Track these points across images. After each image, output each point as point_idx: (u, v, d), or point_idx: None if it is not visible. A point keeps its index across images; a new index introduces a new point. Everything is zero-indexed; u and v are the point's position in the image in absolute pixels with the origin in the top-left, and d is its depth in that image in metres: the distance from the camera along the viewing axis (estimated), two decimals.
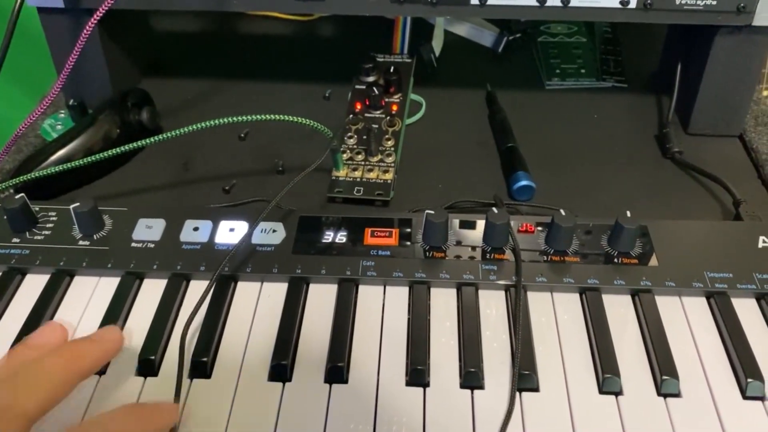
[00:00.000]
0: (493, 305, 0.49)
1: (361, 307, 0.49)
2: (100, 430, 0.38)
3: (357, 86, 0.69)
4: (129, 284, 0.50)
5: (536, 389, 0.44)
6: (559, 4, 0.60)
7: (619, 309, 0.49)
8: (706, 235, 0.53)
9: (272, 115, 0.57)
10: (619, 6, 0.60)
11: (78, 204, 0.52)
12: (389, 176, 0.61)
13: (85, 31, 0.59)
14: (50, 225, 0.53)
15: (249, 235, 0.51)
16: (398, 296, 0.50)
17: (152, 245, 0.52)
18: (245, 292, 0.50)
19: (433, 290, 0.50)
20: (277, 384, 0.45)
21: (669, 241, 0.52)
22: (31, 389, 0.37)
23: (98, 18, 0.59)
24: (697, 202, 0.61)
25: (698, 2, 0.59)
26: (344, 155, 0.62)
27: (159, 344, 0.46)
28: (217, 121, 0.56)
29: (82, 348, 0.42)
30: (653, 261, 0.51)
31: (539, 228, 0.53)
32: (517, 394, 0.44)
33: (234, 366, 0.45)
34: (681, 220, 0.55)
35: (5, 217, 0.52)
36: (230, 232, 0.53)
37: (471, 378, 0.44)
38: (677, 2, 0.60)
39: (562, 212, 0.51)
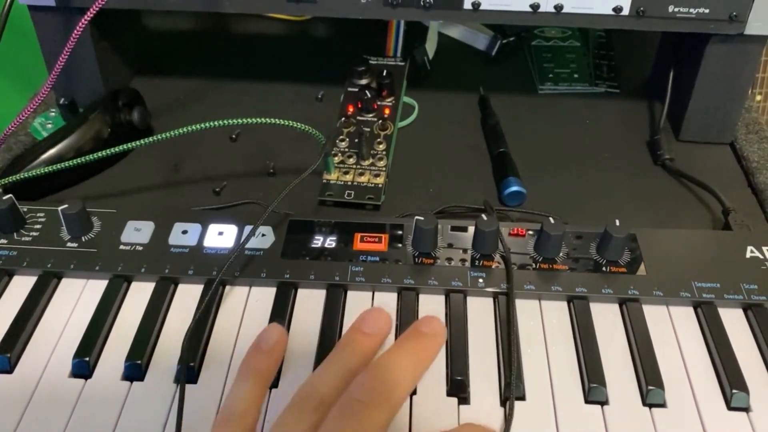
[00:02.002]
0: (481, 312, 0.49)
1: (349, 312, 0.49)
2: None
3: (349, 89, 0.69)
4: (117, 287, 0.50)
5: (522, 398, 0.44)
6: (552, 10, 0.60)
7: (606, 318, 0.49)
8: (694, 244, 0.53)
9: (264, 119, 0.57)
10: (612, 13, 0.60)
11: (66, 206, 0.52)
12: (380, 180, 0.61)
13: (76, 30, 0.59)
14: (38, 226, 0.53)
15: (244, 243, 0.51)
16: (387, 302, 0.50)
17: (140, 248, 0.52)
18: (233, 296, 0.50)
19: (421, 297, 0.50)
20: None
21: (657, 250, 0.52)
22: (394, 390, 0.35)
23: (90, 17, 0.59)
24: (686, 210, 0.61)
25: (691, 10, 0.59)
26: (336, 158, 0.62)
27: (146, 349, 0.46)
28: (208, 124, 0.55)
29: (425, 346, 0.37)
30: (641, 270, 0.51)
31: (530, 232, 0.53)
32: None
33: (221, 371, 0.45)
34: (670, 229, 0.55)
35: None
36: (219, 236, 0.53)
37: (457, 386, 0.44)
38: (670, 10, 0.60)
39: (551, 220, 0.51)
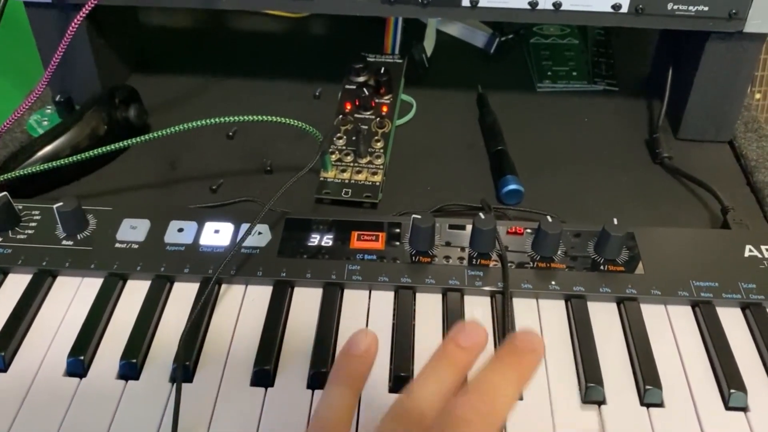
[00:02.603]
0: (478, 311, 0.49)
1: (346, 311, 0.49)
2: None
3: (347, 86, 0.68)
4: (112, 285, 0.50)
5: (519, 398, 0.44)
6: (551, 7, 0.60)
7: (604, 317, 0.49)
8: (692, 243, 0.53)
9: (261, 116, 0.57)
10: (611, 10, 0.60)
11: (61, 203, 0.51)
12: (378, 178, 0.60)
13: (72, 26, 0.59)
14: (33, 224, 0.53)
15: (241, 241, 0.51)
16: (383, 301, 0.50)
17: (136, 246, 0.52)
18: (229, 295, 0.50)
19: (418, 295, 0.50)
20: (260, 389, 0.44)
21: (656, 249, 0.52)
22: (497, 409, 0.34)
23: (86, 13, 0.59)
24: (685, 209, 0.61)
25: (690, 8, 0.59)
26: (333, 156, 0.62)
27: (141, 347, 0.46)
28: (205, 121, 0.55)
29: (526, 363, 0.36)
30: (639, 269, 0.51)
31: (528, 230, 0.53)
32: None
33: (216, 370, 0.45)
34: (668, 228, 0.55)
35: None
36: (215, 234, 0.52)
37: None
38: (669, 7, 0.59)
39: (549, 219, 0.51)
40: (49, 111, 0.69)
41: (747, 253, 0.52)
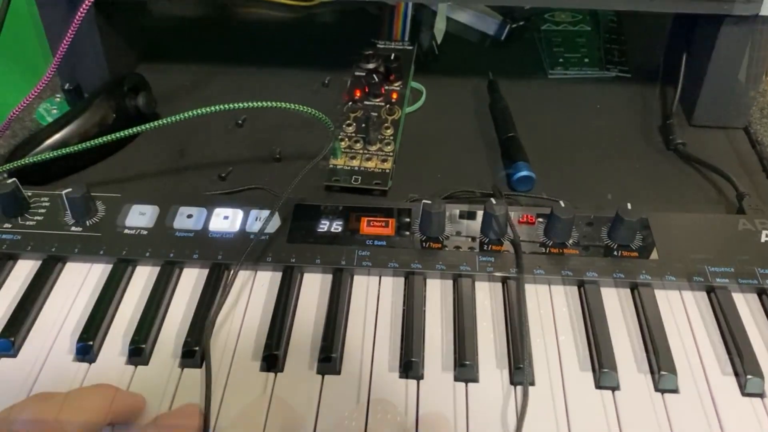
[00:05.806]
0: (489, 297, 0.49)
1: (355, 297, 0.49)
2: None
3: (357, 73, 0.68)
4: (120, 271, 0.50)
5: (532, 383, 0.44)
6: None
7: (618, 303, 0.48)
8: (708, 228, 0.52)
9: (271, 102, 0.56)
10: None
11: (70, 190, 0.51)
12: (387, 165, 0.60)
13: (79, 12, 0.59)
14: (42, 210, 0.53)
15: (261, 231, 0.50)
16: (394, 287, 0.49)
17: (145, 232, 0.51)
18: (238, 280, 0.50)
19: (429, 281, 0.50)
20: (269, 374, 0.44)
21: (670, 234, 0.51)
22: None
23: (93, 0, 0.58)
24: (700, 195, 0.60)
25: None
26: (342, 143, 0.61)
27: (149, 333, 0.46)
28: (214, 108, 0.55)
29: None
30: (654, 254, 0.50)
31: (540, 219, 0.52)
32: (512, 388, 0.43)
33: (226, 356, 0.45)
34: (683, 213, 0.54)
35: None
36: (224, 220, 0.52)
37: (465, 371, 0.44)
38: None
39: (562, 204, 0.50)
40: (58, 99, 0.69)
41: (763, 239, 0.51)
